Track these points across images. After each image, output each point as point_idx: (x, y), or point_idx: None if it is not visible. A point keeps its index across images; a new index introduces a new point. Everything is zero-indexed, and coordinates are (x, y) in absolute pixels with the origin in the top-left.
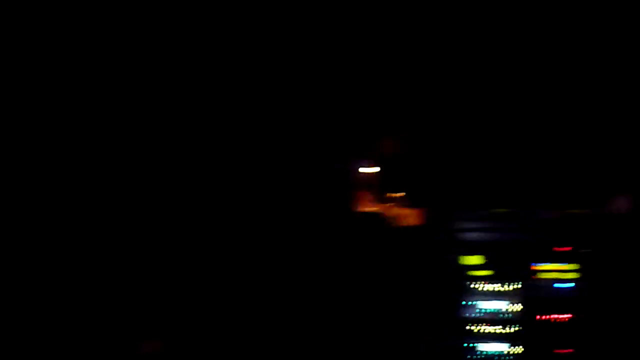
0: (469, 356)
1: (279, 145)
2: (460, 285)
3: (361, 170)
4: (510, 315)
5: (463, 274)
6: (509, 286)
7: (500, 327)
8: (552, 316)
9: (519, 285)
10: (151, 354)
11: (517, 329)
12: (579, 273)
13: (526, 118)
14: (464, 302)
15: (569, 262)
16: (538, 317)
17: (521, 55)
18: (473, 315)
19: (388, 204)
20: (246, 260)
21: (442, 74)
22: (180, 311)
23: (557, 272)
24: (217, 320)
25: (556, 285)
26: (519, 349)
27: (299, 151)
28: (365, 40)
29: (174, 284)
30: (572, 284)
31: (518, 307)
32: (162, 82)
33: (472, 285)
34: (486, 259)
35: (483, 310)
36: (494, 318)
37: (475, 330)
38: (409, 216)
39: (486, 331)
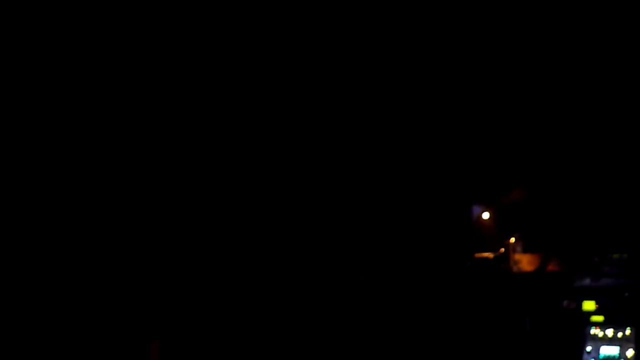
0: None
1: (396, 190)
2: (579, 331)
3: (477, 215)
4: None
5: (582, 320)
6: (624, 332)
7: None
8: None
9: (635, 331)
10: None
11: None
12: None
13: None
14: (582, 348)
15: None
16: None
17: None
18: None
19: (503, 250)
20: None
21: (562, 123)
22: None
23: None
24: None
25: None
26: None
27: (418, 196)
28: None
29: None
30: None
31: (633, 352)
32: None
33: (590, 332)
34: (601, 304)
35: (601, 356)
36: None
37: None
38: (525, 262)
39: None
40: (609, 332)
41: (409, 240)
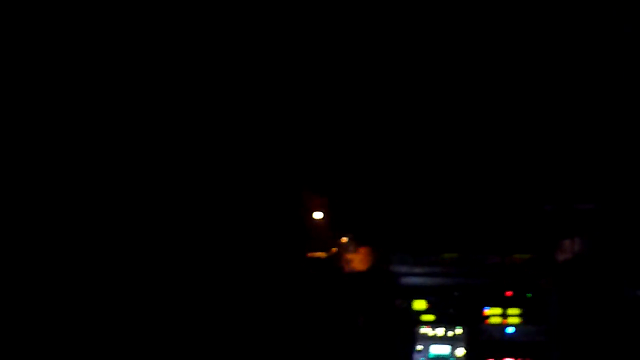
0: None
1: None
2: (408, 330)
3: (309, 215)
4: (456, 359)
5: (410, 319)
6: (454, 331)
7: None
8: None
9: (465, 330)
10: None
11: None
12: (522, 318)
13: (471, 167)
14: (412, 347)
15: (514, 307)
16: None
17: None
18: None
19: (336, 249)
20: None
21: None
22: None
23: (502, 316)
24: None
25: (500, 329)
26: None
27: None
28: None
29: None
30: (514, 329)
31: (463, 351)
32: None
33: (420, 331)
34: (432, 303)
35: (431, 355)
36: None
37: None
38: (357, 261)
39: None
40: (440, 331)
41: (240, 240)
